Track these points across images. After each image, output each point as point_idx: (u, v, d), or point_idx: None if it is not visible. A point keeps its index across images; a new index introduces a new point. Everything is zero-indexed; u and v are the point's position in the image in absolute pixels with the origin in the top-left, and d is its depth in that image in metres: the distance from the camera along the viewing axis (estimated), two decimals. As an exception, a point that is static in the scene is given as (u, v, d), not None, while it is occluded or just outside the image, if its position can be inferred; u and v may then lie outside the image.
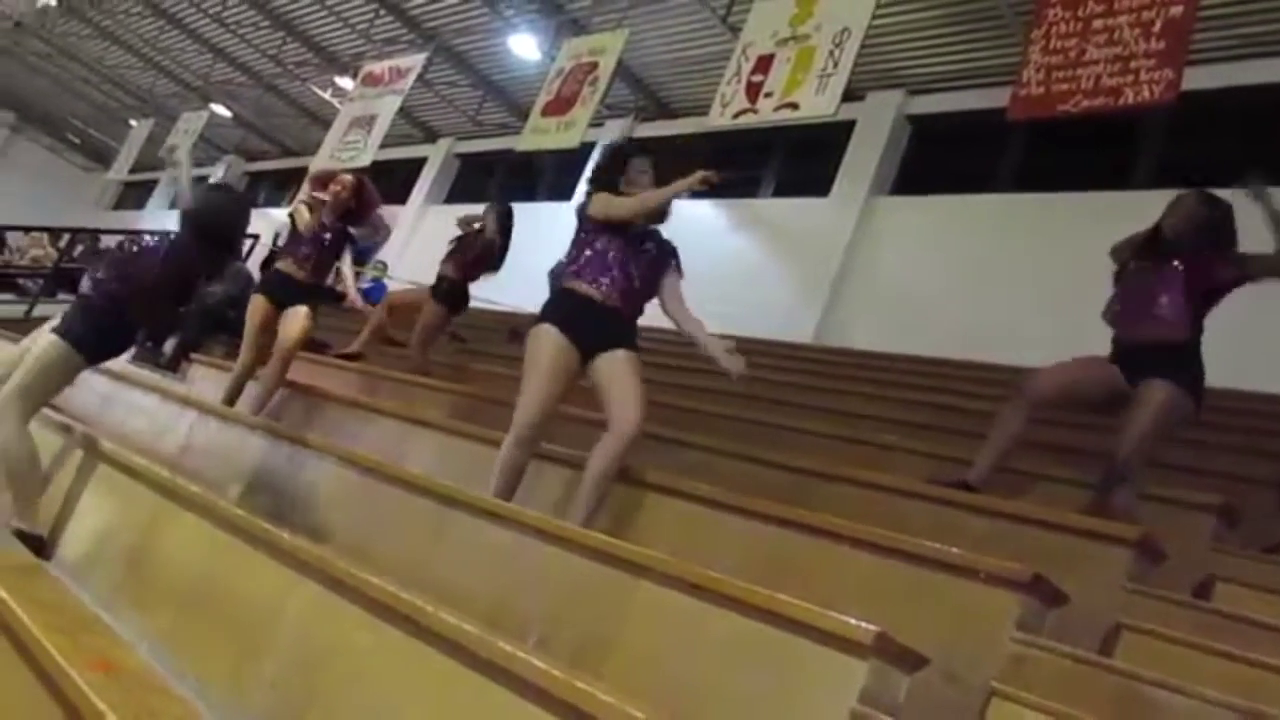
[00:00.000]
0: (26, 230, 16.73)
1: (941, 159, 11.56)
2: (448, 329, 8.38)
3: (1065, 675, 2.75)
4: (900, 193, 11.68)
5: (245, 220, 5.24)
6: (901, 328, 9.57)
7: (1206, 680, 2.68)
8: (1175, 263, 4.25)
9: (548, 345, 4.02)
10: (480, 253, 7.74)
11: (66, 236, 15.09)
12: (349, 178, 6.57)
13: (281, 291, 6.27)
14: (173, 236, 4.86)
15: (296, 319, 6.08)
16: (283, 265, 6.40)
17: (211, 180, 5.23)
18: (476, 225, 7.91)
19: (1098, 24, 6.40)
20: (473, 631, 2.28)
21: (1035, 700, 2.49)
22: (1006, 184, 10.71)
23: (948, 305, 9.75)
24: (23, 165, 25.64)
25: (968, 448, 4.81)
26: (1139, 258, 4.42)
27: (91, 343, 4.42)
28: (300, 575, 2.88)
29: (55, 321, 4.48)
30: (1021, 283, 9.39)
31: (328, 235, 6.34)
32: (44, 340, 4.38)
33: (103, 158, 24.45)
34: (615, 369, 3.99)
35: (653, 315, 4.26)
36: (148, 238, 4.84)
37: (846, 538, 3.35)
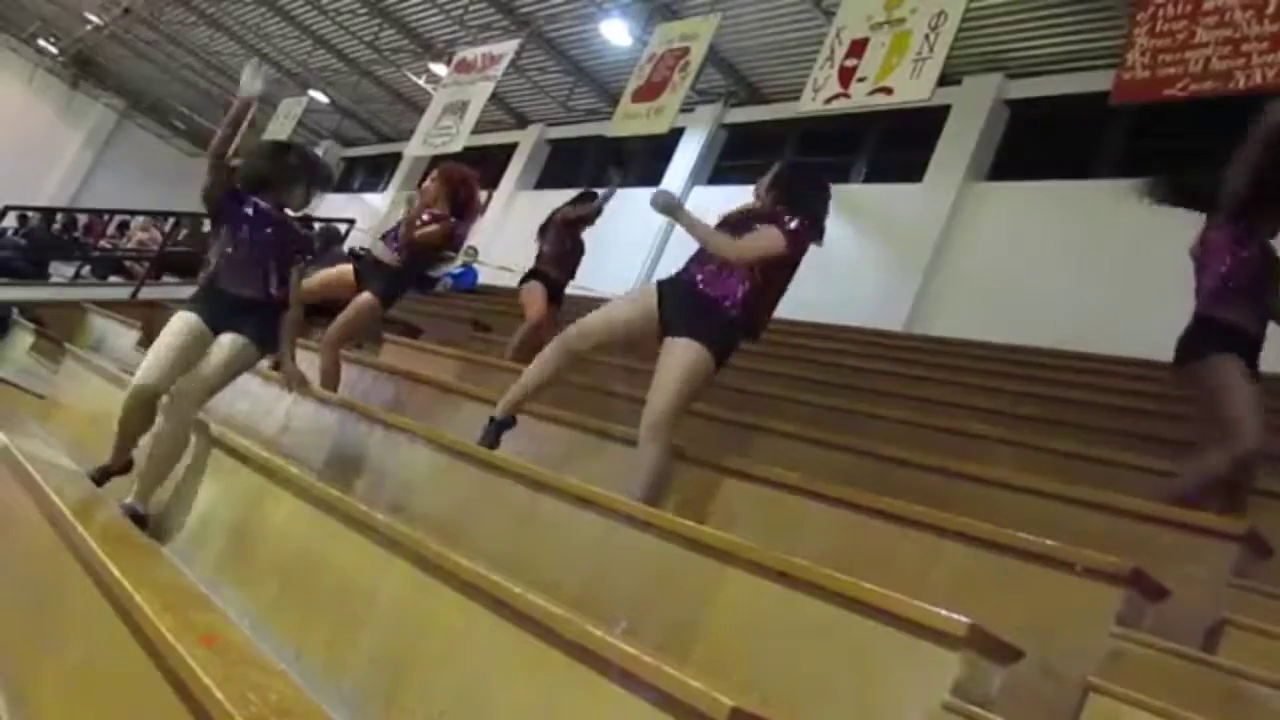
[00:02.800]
0: (133, 214, 17.25)
1: (1040, 144, 11.31)
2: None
3: (1166, 671, 2.69)
4: (996, 179, 11.46)
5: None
6: (996, 316, 9.40)
7: (1314, 680, 2.60)
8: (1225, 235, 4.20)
9: (642, 291, 4.23)
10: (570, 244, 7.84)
11: (171, 220, 15.49)
12: (436, 174, 6.57)
13: (364, 270, 6.29)
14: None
15: (354, 302, 6.08)
16: (377, 252, 6.36)
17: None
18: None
19: (1208, 5, 6.21)
20: (561, 614, 2.30)
21: (1134, 696, 2.43)
22: (1108, 169, 10.43)
23: (1045, 294, 9.56)
24: (130, 150, 26.37)
25: (1062, 438, 4.73)
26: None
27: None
28: (394, 556, 2.93)
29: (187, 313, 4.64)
30: (1121, 271, 9.17)
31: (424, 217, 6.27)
32: (238, 346, 4.56)
33: (206, 143, 25.04)
34: (662, 358, 4.01)
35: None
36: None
37: (936, 528, 3.31)
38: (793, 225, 4.04)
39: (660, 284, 4.20)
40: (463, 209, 6.39)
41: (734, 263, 4.02)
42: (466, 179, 6.50)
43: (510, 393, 4.36)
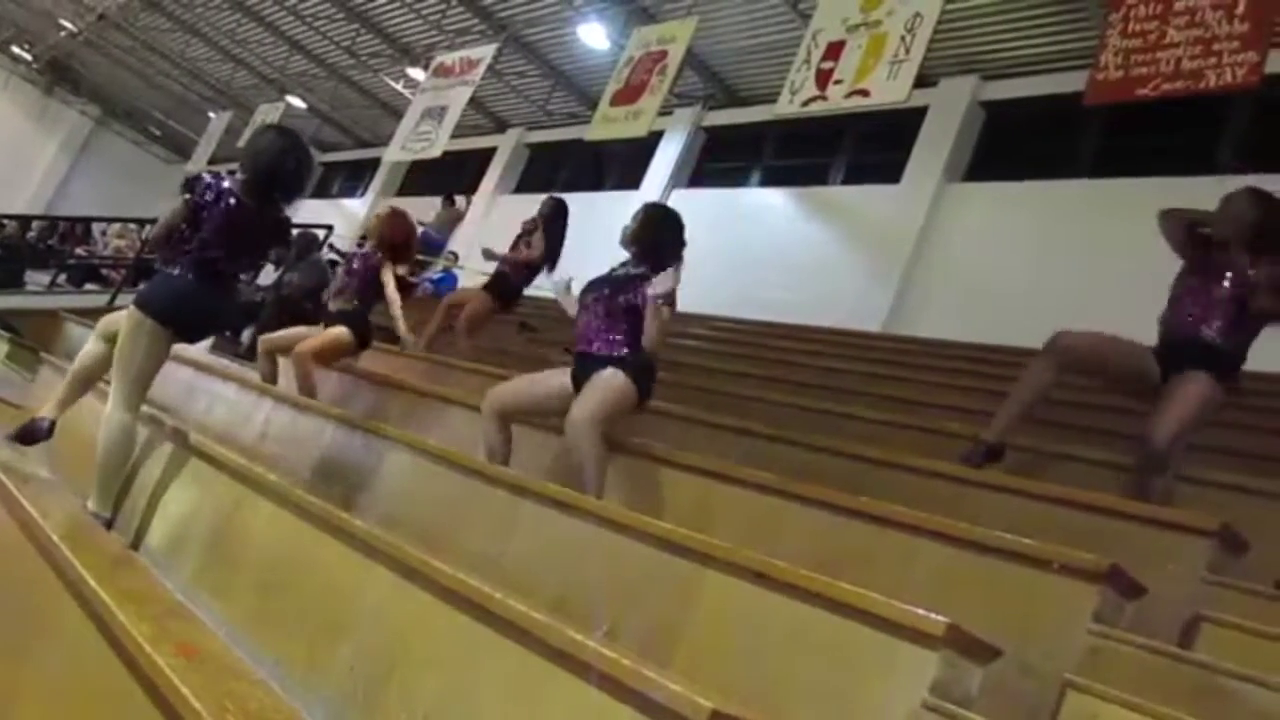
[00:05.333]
0: (109, 221, 17.14)
1: (1016, 145, 11.38)
2: (497, 318, 8.52)
3: (1143, 668, 2.71)
4: (973, 179, 11.51)
5: (284, 158, 4.64)
6: (973, 316, 9.44)
7: (1289, 674, 2.62)
8: (1226, 276, 4.19)
9: (557, 373, 4.60)
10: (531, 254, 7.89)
11: (147, 227, 15.40)
12: (383, 213, 6.75)
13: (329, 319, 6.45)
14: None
15: (331, 330, 6.27)
16: (333, 306, 6.55)
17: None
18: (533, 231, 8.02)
19: (1179, 5, 6.25)
20: (540, 619, 2.30)
21: (1112, 693, 2.45)
22: (1083, 170, 10.51)
23: (1021, 293, 9.60)
24: (107, 157, 26.19)
25: (1039, 436, 4.75)
26: (1190, 266, 4.36)
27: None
28: (375, 563, 2.92)
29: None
30: (1098, 270, 9.22)
31: (364, 268, 6.49)
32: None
33: (183, 150, 24.93)
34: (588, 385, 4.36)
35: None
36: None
37: (914, 527, 3.32)
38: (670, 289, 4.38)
39: (573, 372, 4.51)
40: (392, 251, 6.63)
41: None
42: (406, 230, 6.80)
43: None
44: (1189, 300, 4.27)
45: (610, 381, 4.31)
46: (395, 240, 6.62)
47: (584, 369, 4.42)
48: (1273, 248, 4.14)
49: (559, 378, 4.55)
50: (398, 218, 6.78)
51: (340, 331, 6.25)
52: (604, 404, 4.28)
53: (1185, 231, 4.40)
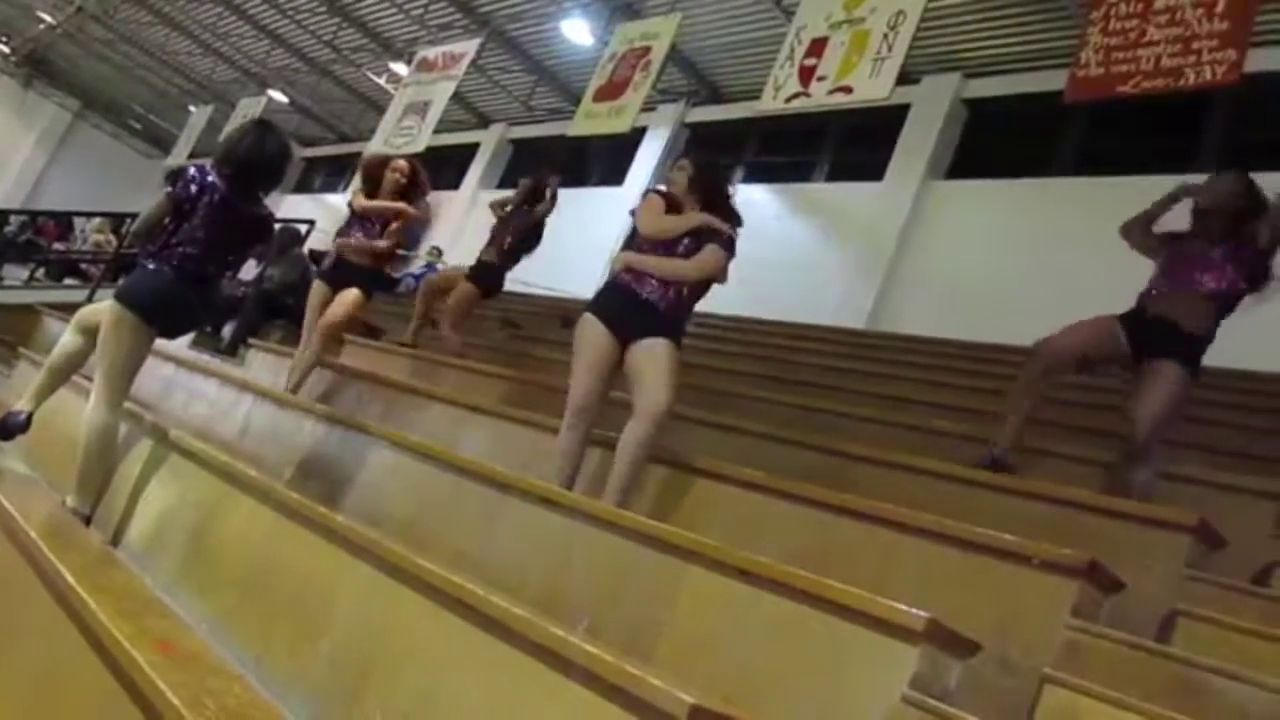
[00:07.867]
0: (89, 216, 17.01)
1: (998, 143, 11.42)
2: (479, 312, 8.47)
3: (1121, 662, 2.73)
4: (955, 177, 11.55)
5: (263, 144, 4.65)
6: (956, 313, 9.48)
7: (1266, 667, 2.64)
8: (1218, 251, 4.32)
9: (589, 334, 4.22)
10: (522, 231, 7.82)
11: (128, 222, 15.28)
12: (403, 163, 6.59)
13: (336, 273, 6.36)
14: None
15: (344, 298, 6.19)
16: (343, 251, 6.43)
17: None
18: (509, 208, 7.97)
19: (1159, 4, 6.30)
20: (522, 615, 2.30)
21: (1089, 687, 2.47)
22: (1065, 168, 10.56)
23: (1003, 290, 9.64)
24: (86, 151, 25.95)
25: (1024, 434, 4.78)
26: (1180, 237, 4.50)
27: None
28: (355, 559, 2.92)
29: None
30: (1079, 268, 9.25)
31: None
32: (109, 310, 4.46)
33: (163, 144, 24.74)
34: (648, 355, 4.13)
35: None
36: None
37: (897, 523, 3.34)
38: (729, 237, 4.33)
39: (599, 311, 4.30)
40: (405, 198, 6.56)
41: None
42: (426, 186, 6.72)
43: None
44: (1161, 278, 4.46)
45: (668, 352, 4.19)
46: (415, 190, 6.60)
47: (628, 305, 4.28)
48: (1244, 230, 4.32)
49: (604, 346, 4.23)
50: (417, 169, 6.69)
51: (354, 302, 6.27)
52: (675, 385, 4.18)
53: (1145, 233, 4.63)
